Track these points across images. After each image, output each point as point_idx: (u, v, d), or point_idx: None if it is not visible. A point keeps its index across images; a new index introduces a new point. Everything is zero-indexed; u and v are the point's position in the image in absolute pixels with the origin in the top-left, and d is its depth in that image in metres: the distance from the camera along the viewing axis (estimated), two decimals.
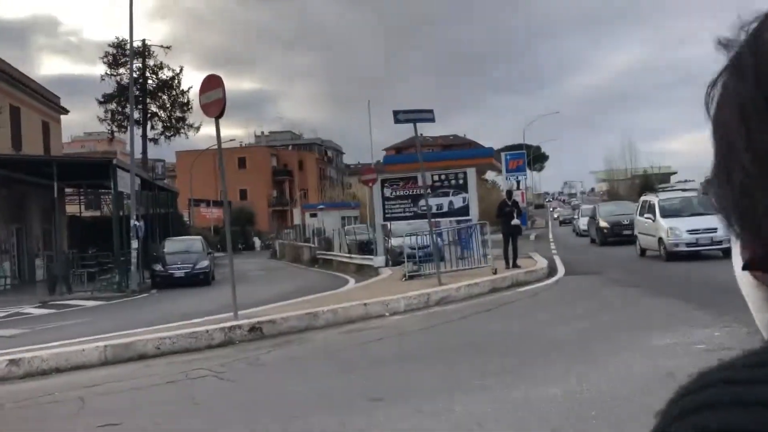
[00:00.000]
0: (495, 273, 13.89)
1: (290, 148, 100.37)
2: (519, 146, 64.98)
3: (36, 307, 17.28)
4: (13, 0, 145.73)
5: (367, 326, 9.95)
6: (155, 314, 14.55)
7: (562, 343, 7.53)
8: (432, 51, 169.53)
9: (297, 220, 52.24)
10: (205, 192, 69.20)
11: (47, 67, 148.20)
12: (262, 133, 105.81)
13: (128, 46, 37.72)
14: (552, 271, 15.49)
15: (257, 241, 73.25)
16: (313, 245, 35.48)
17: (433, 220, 24.66)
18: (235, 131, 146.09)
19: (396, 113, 12.61)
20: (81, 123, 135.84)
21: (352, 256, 25.45)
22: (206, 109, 9.72)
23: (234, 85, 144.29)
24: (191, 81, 42.05)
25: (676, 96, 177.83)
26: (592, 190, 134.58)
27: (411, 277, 14.99)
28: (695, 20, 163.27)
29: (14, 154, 24.40)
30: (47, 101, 30.46)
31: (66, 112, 33.00)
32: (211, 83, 9.63)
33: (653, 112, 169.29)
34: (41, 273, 27.61)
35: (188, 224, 45.65)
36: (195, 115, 39.83)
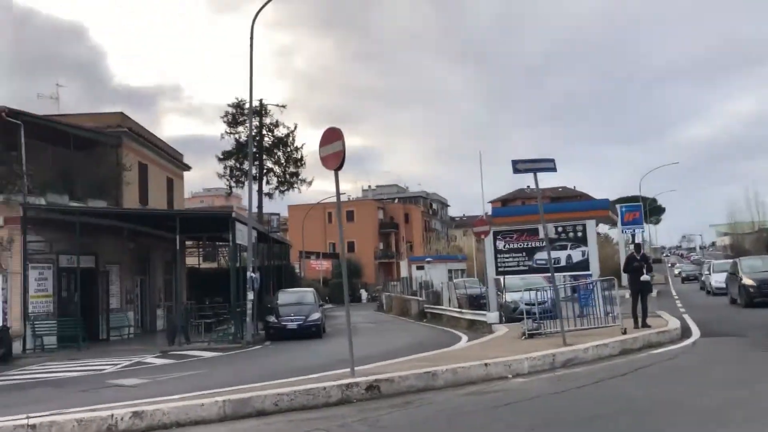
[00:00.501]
0: (624, 333, 12.88)
1: (396, 201, 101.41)
2: (634, 198, 62.28)
3: (156, 357, 17.76)
4: (142, 70, 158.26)
5: (490, 388, 9.33)
6: (270, 367, 14.53)
7: (719, 414, 6.65)
8: (537, 103, 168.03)
9: (404, 273, 52.07)
10: (315, 244, 70.87)
11: (171, 128, 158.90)
12: (369, 186, 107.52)
13: (246, 106, 39.65)
14: (685, 332, 14.22)
15: (363, 294, 73.64)
16: (420, 299, 35.02)
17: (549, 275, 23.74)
18: (342, 186, 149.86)
19: (515, 163, 12.13)
20: (200, 179, 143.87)
21: (463, 311, 24.75)
22: (326, 161, 9.68)
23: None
24: (304, 138, 43.64)
25: None
26: (713, 244, 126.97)
27: (531, 336, 14.18)
28: None
29: (142, 209, 25.84)
30: (172, 158, 32.30)
31: (188, 168, 34.83)
32: (331, 136, 9.60)
33: None
34: (161, 323, 28.76)
35: (300, 276, 46.52)
36: (308, 170, 41.06)
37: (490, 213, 41.19)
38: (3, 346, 18.26)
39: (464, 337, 18.52)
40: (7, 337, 18.71)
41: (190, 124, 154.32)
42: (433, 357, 12.00)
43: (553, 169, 12.55)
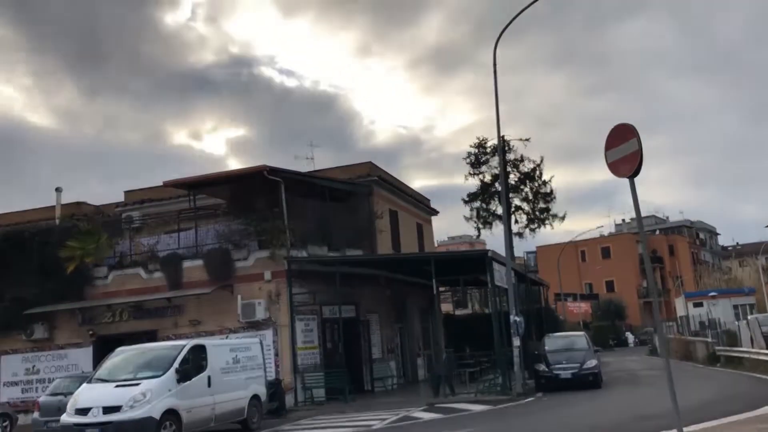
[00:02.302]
0: None
1: (657, 232, 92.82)
2: None
3: (423, 410, 16.57)
4: (385, 132, 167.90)
5: None
6: (553, 426, 12.42)
7: None
8: None
9: (679, 311, 46.24)
10: (570, 286, 66.84)
11: (412, 182, 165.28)
12: (623, 221, 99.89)
13: (489, 144, 38.55)
14: None
15: (630, 337, 67.41)
16: (708, 340, 30.13)
17: None
18: (589, 224, 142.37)
19: None
20: (444, 229, 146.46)
21: None
22: (616, 167, 7.63)
23: (585, 178, 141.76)
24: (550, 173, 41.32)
25: None
26: None
27: None
28: None
29: (397, 254, 25.54)
30: (419, 204, 32.07)
31: (436, 213, 34.39)
32: (622, 135, 7.56)
33: None
34: (422, 372, 27.98)
35: (562, 319, 43.47)
36: (558, 205, 38.39)
37: None
38: (276, 400, 18.44)
39: None
40: (280, 391, 18.93)
41: (430, 176, 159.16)
42: (766, 416, 9.01)
43: None
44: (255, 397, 15.44)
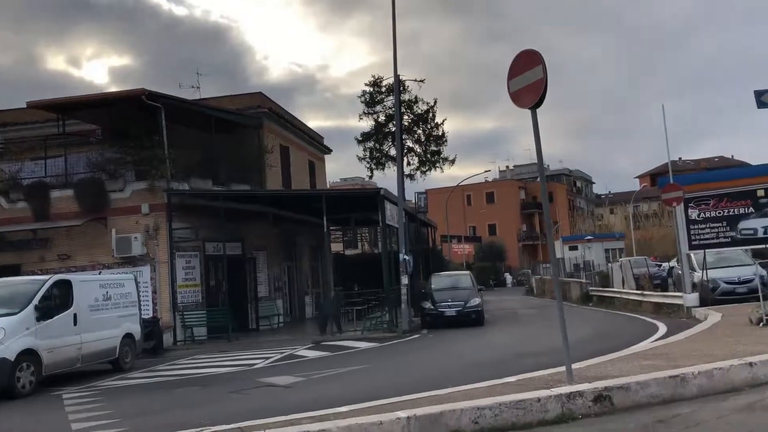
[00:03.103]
0: None
1: (538, 179, 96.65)
2: None
3: (309, 348, 16.24)
4: (279, 68, 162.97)
5: (766, 398, 6.58)
6: (439, 363, 12.41)
7: None
8: (684, 71, 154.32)
9: (557, 254, 48.47)
10: (455, 228, 68.48)
11: (307, 122, 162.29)
12: (507, 167, 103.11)
13: (384, 83, 37.92)
14: None
15: (508, 277, 70.43)
16: (583, 281, 31.70)
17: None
18: (475, 170, 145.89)
19: (759, 94, 9.10)
20: (336, 171, 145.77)
21: (646, 293, 21.43)
22: (519, 97, 7.25)
23: (473, 125, 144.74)
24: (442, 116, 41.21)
25: None
26: None
27: None
28: None
29: (287, 190, 24.66)
30: (312, 141, 31.16)
31: (329, 151, 33.65)
32: (525, 62, 7.17)
33: None
34: (310, 311, 27.70)
35: (447, 260, 44.39)
36: (450, 147, 38.53)
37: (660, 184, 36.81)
38: (154, 338, 17.53)
39: (661, 325, 15.42)
40: (157, 329, 18.01)
41: (324, 117, 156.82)
42: (651, 353, 9.27)
43: None
44: (128, 336, 14.47)
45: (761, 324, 10.98)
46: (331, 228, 31.76)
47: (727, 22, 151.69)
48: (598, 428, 5.95)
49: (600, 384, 6.73)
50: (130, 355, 14.55)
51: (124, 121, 19.97)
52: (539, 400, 6.37)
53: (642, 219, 65.10)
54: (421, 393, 7.36)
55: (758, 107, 9.03)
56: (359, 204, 21.16)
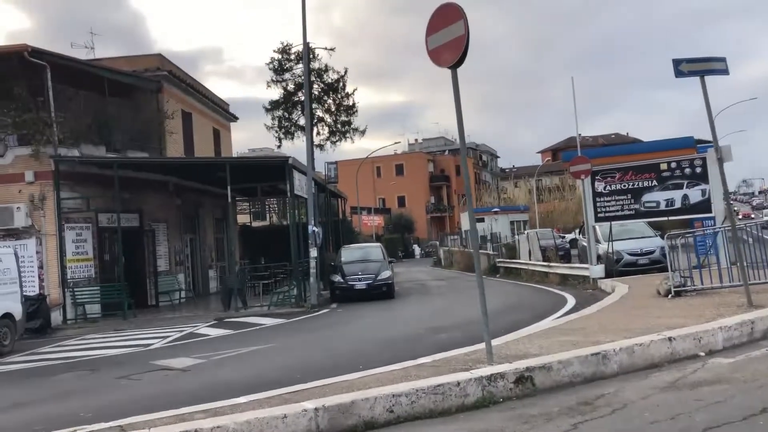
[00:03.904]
0: None
1: (446, 152, 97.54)
2: (700, 140, 57.33)
3: (211, 326, 15.33)
4: (183, 35, 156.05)
5: (690, 375, 6.42)
6: (349, 339, 11.87)
7: None
8: (583, 47, 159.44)
9: (465, 226, 49.03)
10: (365, 200, 68.18)
11: (215, 91, 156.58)
12: (416, 140, 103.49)
13: (293, 50, 36.59)
14: None
15: (417, 249, 71.02)
16: (491, 252, 32.02)
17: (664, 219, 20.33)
18: (385, 143, 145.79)
19: (677, 63, 8.92)
20: (244, 142, 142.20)
21: (552, 264, 21.72)
22: (438, 54, 6.66)
23: (383, 98, 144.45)
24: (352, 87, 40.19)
25: None
26: None
27: (678, 294, 11.10)
28: None
29: (187, 158, 23.22)
30: (217, 107, 29.62)
31: (235, 119, 32.15)
32: (446, 17, 6.57)
33: None
34: (214, 285, 26.54)
35: (358, 232, 43.89)
36: (360, 119, 37.77)
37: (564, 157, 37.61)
38: (40, 317, 16.09)
39: (569, 297, 15.51)
40: (44, 307, 16.55)
41: (232, 86, 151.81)
42: (568, 327, 9.07)
43: (725, 71, 9.29)
44: (6, 317, 13.07)
45: (669, 296, 11.06)
46: (237, 199, 30.60)
47: (621, 2, 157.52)
48: (520, 413, 5.55)
49: (521, 364, 6.35)
50: (9, 337, 13.16)
51: (5, 81, 18.03)
52: (458, 384, 5.90)
53: (545, 192, 67.15)
54: (329, 378, 6.76)
55: (676, 76, 8.83)
56: (266, 173, 20.19)
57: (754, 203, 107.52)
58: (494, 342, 7.79)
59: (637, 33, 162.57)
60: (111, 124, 20.18)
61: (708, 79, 9.16)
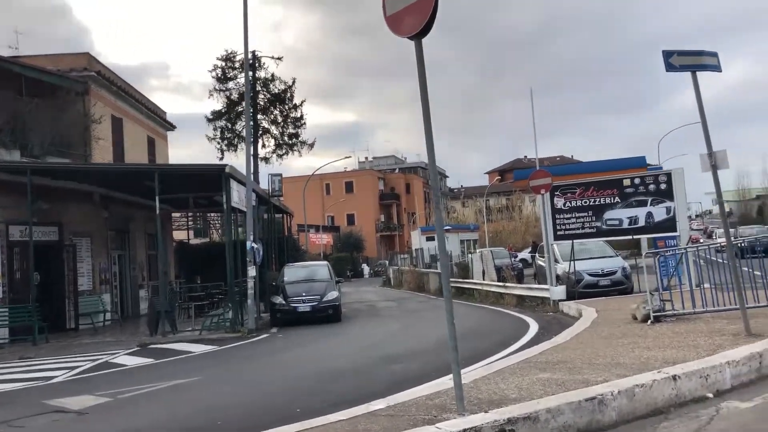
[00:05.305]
0: None
1: (396, 171, 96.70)
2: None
3: (131, 353, 13.48)
4: (128, 50, 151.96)
5: (704, 425, 5.12)
6: (287, 371, 10.26)
7: None
8: (530, 73, 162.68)
9: (415, 244, 47.81)
10: (313, 218, 66.41)
11: (158, 103, 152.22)
12: (366, 158, 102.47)
13: (238, 58, 34.95)
14: None
15: (366, 268, 69.44)
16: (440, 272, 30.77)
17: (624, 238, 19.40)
18: (334, 163, 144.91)
19: (668, 55, 7.79)
20: (187, 158, 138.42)
21: (508, 285, 20.55)
22: (398, 20, 5.28)
23: (334, 117, 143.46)
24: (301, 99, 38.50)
25: None
26: (710, 212, 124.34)
27: (657, 320, 9.94)
28: None
29: (112, 164, 21.13)
30: (153, 114, 27.62)
31: (173, 128, 30.16)
32: None
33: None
34: (146, 306, 24.42)
35: (304, 250, 42.09)
36: (308, 131, 36.37)
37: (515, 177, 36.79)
38: None
39: (531, 321, 14.28)
40: None
41: (180, 101, 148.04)
42: (544, 360, 7.71)
43: (718, 68, 8.22)
44: None
45: (649, 321, 9.88)
46: (174, 213, 28.59)
47: (570, 31, 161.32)
48: None
49: (500, 414, 4.93)
50: None
51: None
52: None
53: (494, 212, 66.87)
54: None
55: (667, 70, 7.76)
56: (202, 184, 18.42)
57: (708, 229, 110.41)
58: (466, 379, 6.37)
59: (583, 61, 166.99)
60: (28, 126, 18.16)
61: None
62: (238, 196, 17.36)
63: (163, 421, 6.96)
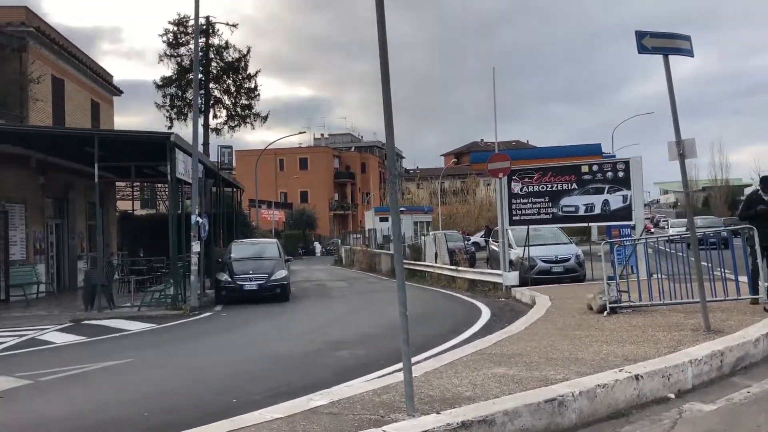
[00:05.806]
0: None
1: (352, 149, 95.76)
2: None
3: (62, 330, 12.67)
4: (79, 11, 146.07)
5: (667, 430, 4.79)
6: (227, 354, 9.66)
7: None
8: (485, 58, 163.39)
9: (369, 224, 47.34)
10: (266, 193, 65.20)
11: (112, 71, 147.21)
12: (322, 135, 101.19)
13: (190, 24, 33.60)
14: None
15: (318, 246, 68.72)
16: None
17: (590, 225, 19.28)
18: (290, 138, 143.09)
19: (641, 36, 7.42)
20: (136, 126, 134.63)
21: (461, 269, 20.25)
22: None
23: (290, 92, 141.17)
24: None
25: (741, 106, 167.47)
26: (657, 201, 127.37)
27: (613, 311, 9.69)
28: (759, 30, 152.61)
29: (47, 127, 19.86)
30: (98, 77, 26.27)
31: (119, 93, 28.82)
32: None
33: (715, 122, 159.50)
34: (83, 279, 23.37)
35: (254, 226, 41.12)
36: (262, 104, 35.37)
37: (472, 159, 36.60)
38: None
39: (483, 307, 13.94)
40: None
41: (132, 67, 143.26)
42: (499, 353, 7.31)
43: (690, 53, 7.88)
44: None
45: (605, 312, 9.62)
46: (117, 182, 27.37)
47: (527, 18, 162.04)
48: None
49: (453, 416, 4.48)
50: None
51: None
52: None
53: (449, 195, 66.87)
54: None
55: (639, 52, 7.42)
56: (147, 152, 17.47)
57: (655, 218, 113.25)
58: (417, 373, 5.91)
59: (537, 48, 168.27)
60: None
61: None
62: (184, 167, 16.52)
63: (81, 410, 6.31)
